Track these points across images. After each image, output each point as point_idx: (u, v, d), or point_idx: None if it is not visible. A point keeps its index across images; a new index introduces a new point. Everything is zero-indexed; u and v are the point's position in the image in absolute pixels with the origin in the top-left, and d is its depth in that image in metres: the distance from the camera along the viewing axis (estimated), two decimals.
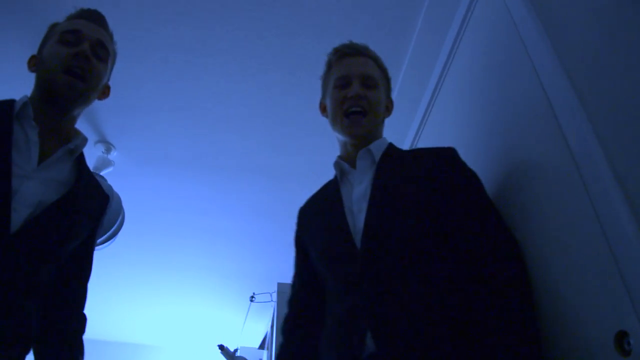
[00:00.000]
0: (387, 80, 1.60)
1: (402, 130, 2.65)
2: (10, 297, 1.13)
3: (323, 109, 1.62)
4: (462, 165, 1.40)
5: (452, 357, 1.10)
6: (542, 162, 1.32)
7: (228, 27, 2.35)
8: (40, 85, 1.34)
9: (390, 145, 1.52)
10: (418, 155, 1.45)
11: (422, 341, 1.12)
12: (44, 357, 1.30)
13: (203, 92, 2.72)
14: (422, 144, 2.47)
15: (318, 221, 1.48)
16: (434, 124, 2.37)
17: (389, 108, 1.60)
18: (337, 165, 1.51)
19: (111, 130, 3.00)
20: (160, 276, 4.55)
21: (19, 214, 1.16)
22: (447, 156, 1.40)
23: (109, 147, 3.08)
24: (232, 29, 2.36)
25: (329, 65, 1.60)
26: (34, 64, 1.38)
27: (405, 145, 2.63)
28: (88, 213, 1.36)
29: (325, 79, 1.61)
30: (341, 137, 1.53)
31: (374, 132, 1.51)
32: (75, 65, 1.31)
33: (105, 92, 1.48)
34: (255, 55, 2.48)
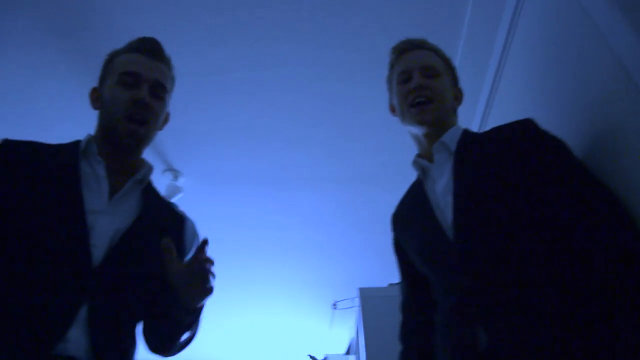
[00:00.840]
0: (451, 69, 1.57)
1: (467, 115, 2.55)
2: (110, 326, 1.16)
3: (392, 109, 1.62)
4: (544, 133, 1.31)
5: (570, 342, 1.04)
6: (626, 132, 1.24)
7: (281, 40, 2.35)
8: (103, 126, 1.37)
9: (465, 132, 1.46)
10: (495, 134, 1.39)
11: (536, 328, 1.07)
12: None
13: (262, 108, 2.73)
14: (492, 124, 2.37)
15: (411, 222, 1.46)
16: (500, 104, 2.28)
17: (457, 97, 1.56)
18: (416, 163, 1.49)
19: (176, 157, 3.07)
20: (240, 293, 4.61)
21: (99, 249, 1.18)
22: (525, 128, 1.33)
23: (176, 174, 3.14)
24: (284, 42, 2.36)
25: (391, 65, 1.60)
26: (96, 99, 1.41)
27: (473, 128, 2.53)
28: (166, 233, 1.36)
29: (390, 79, 1.62)
30: (414, 131, 1.51)
31: (445, 121, 1.47)
32: (136, 112, 1.33)
33: (165, 120, 1.49)
34: (310, 64, 2.46)
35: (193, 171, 3.17)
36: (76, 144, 1.34)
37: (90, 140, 1.34)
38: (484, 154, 1.33)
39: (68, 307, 1.10)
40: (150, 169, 1.41)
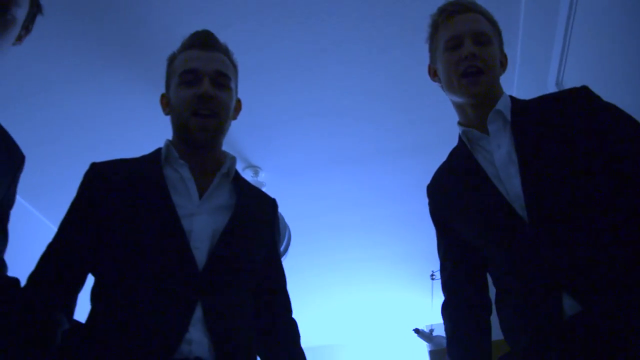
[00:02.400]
0: (499, 34, 1.48)
1: (541, 68, 2.43)
2: (227, 322, 1.19)
3: (434, 73, 1.53)
4: (599, 100, 1.30)
5: None
6: None
7: (339, 19, 2.33)
8: (177, 128, 1.38)
9: (514, 100, 1.41)
10: (549, 102, 1.36)
11: (623, 289, 1.09)
12: None
13: (327, 90, 2.73)
14: (568, 78, 2.24)
15: (461, 195, 1.39)
16: (577, 51, 2.14)
17: (503, 63, 1.48)
18: (465, 133, 1.41)
19: (253, 153, 3.12)
20: (339, 275, 4.66)
21: (201, 251, 1.21)
22: (581, 95, 1.32)
23: (256, 170, 3.20)
24: (342, 21, 2.34)
25: (435, 27, 1.49)
26: (166, 104, 1.43)
27: (550, 82, 2.40)
28: (262, 220, 1.40)
29: (433, 41, 1.51)
30: (459, 100, 1.43)
31: (494, 91, 1.40)
32: (202, 107, 1.32)
33: (237, 109, 1.48)
34: (370, 38, 2.42)
35: (271, 164, 3.22)
36: (157, 152, 1.37)
37: (168, 145, 1.36)
38: (542, 122, 1.30)
39: (182, 311, 1.13)
40: (233, 160, 1.40)
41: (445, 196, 1.45)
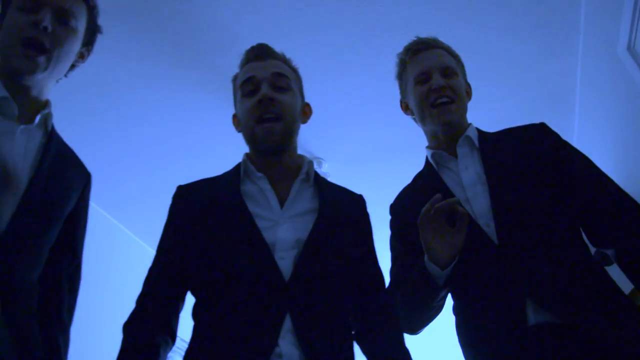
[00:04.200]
0: (462, 66, 1.62)
1: (609, 32, 2.29)
2: (319, 333, 1.17)
3: (406, 107, 1.65)
4: (557, 135, 1.48)
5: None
6: None
7: (392, 5, 2.33)
8: (248, 140, 1.39)
9: (479, 130, 1.55)
10: (512, 134, 1.52)
11: (584, 298, 1.22)
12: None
13: (386, 76, 2.70)
14: None
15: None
16: None
17: (468, 93, 1.62)
18: (435, 155, 1.52)
19: (316, 145, 3.13)
20: None
21: (287, 261, 1.20)
22: (540, 130, 1.49)
23: (319, 161, 3.22)
24: (397, 6, 2.33)
25: (403, 64, 1.62)
26: (237, 123, 1.44)
27: (621, 48, 2.26)
28: (350, 219, 1.36)
29: (402, 78, 1.64)
30: (431, 129, 1.55)
31: (463, 119, 1.54)
32: (265, 111, 1.32)
33: (306, 113, 1.48)
34: (424, 23, 2.38)
35: (334, 155, 3.22)
36: (237, 167, 1.38)
37: (245, 160, 1.37)
38: (507, 149, 1.45)
39: (271, 324, 1.13)
40: (310, 163, 1.39)
41: (410, 214, 1.45)
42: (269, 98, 1.32)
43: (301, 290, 1.18)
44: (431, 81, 1.51)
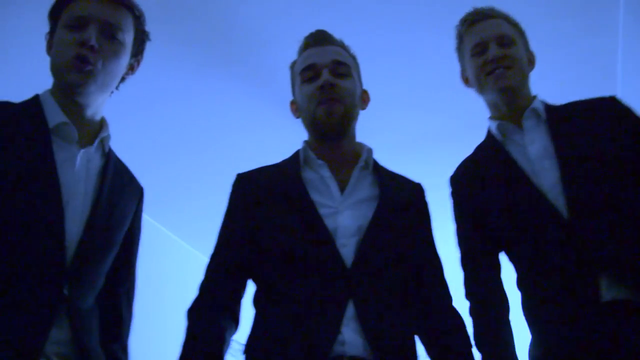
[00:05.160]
0: (522, 34, 1.57)
1: None
2: (383, 319, 1.17)
3: (466, 80, 1.62)
4: (629, 111, 1.41)
5: None
6: None
7: None
8: (308, 126, 1.40)
9: (545, 103, 1.50)
10: (580, 106, 1.46)
11: None
12: None
13: (424, 64, 2.69)
14: None
15: (490, 186, 1.43)
16: None
17: (531, 61, 1.56)
18: (500, 126, 1.47)
19: (359, 131, 3.15)
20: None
21: (349, 248, 1.20)
22: (611, 104, 1.43)
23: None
24: None
25: (460, 37, 1.59)
26: (296, 109, 1.45)
27: None
28: (410, 207, 1.36)
29: (460, 51, 1.61)
30: (491, 98, 1.51)
31: (524, 89, 1.50)
32: (326, 99, 1.32)
33: (365, 99, 1.47)
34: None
35: (381, 141, 3.20)
36: (296, 155, 1.39)
37: (305, 147, 1.38)
38: (576, 122, 1.40)
39: (334, 311, 1.13)
40: (370, 151, 1.39)
41: (473, 187, 1.46)
42: (330, 84, 1.33)
43: (363, 277, 1.18)
44: (487, 52, 1.47)
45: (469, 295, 1.44)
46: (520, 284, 1.39)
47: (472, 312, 1.41)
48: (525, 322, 1.36)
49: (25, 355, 1.02)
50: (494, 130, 1.49)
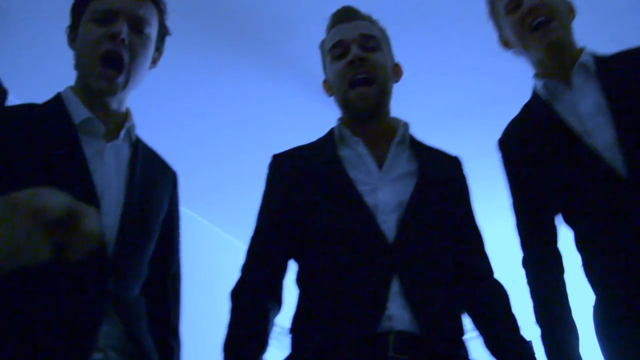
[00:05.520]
0: None
1: None
2: (428, 292, 1.16)
3: (505, 43, 1.52)
4: None
5: None
6: None
7: None
8: (341, 105, 1.38)
9: (594, 54, 1.40)
10: (633, 56, 1.37)
11: None
12: None
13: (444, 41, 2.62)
14: None
15: (541, 147, 1.37)
16: None
17: (571, 10, 1.45)
18: (547, 85, 1.39)
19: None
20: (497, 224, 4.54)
21: (390, 224, 1.19)
22: None
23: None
24: None
25: (491, 1, 1.51)
26: (329, 88, 1.42)
27: None
28: (449, 180, 1.34)
29: (493, 13, 1.51)
30: (537, 55, 1.41)
31: (570, 41, 1.41)
32: (356, 75, 1.30)
33: (397, 73, 1.43)
34: None
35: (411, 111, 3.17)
36: (331, 133, 1.38)
37: (339, 125, 1.36)
38: (629, 75, 1.31)
39: (379, 287, 1.13)
40: (406, 125, 1.37)
41: (523, 150, 1.40)
42: (360, 58, 1.30)
43: (406, 253, 1.18)
44: (522, 5, 1.38)
45: (525, 261, 1.42)
46: (580, 245, 1.35)
47: (530, 280, 1.39)
48: (588, 284, 1.32)
49: (79, 352, 1.02)
50: (539, 90, 1.42)
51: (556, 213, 1.41)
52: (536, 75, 1.45)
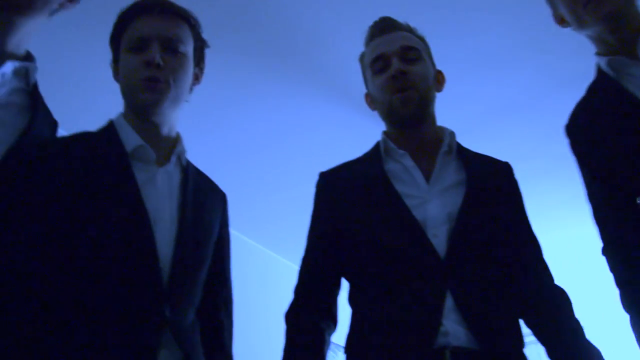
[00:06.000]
0: None
1: None
2: (484, 307, 1.15)
3: (561, 20, 1.42)
4: None
5: None
6: None
7: None
8: (384, 117, 1.37)
9: None
10: None
11: None
12: None
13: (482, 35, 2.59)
14: None
15: (615, 132, 1.27)
16: None
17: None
18: (612, 62, 1.28)
19: None
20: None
21: (440, 239, 1.18)
22: None
23: None
24: None
25: None
26: (371, 101, 1.42)
27: None
28: (499, 188, 1.31)
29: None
30: (594, 31, 1.31)
31: (632, 10, 1.29)
32: (399, 85, 1.29)
33: (440, 81, 1.41)
34: None
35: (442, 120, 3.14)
36: (377, 147, 1.37)
37: (384, 138, 1.36)
38: None
39: (433, 304, 1.12)
40: (451, 135, 1.34)
41: (593, 133, 1.32)
42: (401, 72, 1.29)
43: (459, 267, 1.16)
44: None
45: (606, 248, 1.32)
46: None
47: (614, 265, 1.30)
48: None
49: None
50: (604, 67, 1.31)
51: (637, 197, 1.28)
52: (598, 54, 1.35)
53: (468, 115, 3.11)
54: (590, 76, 1.38)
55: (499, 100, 3.08)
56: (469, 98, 3.00)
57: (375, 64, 1.35)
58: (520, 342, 1.18)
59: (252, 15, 2.38)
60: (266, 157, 3.32)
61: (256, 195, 3.59)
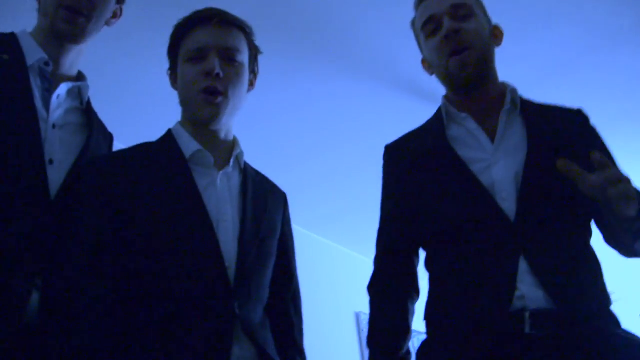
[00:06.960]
0: None
1: None
2: (560, 268, 1.11)
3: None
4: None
5: None
6: None
7: None
8: (444, 81, 1.33)
9: None
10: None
11: None
12: None
13: None
14: None
15: None
16: None
17: None
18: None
19: None
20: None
21: (509, 201, 1.14)
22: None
23: None
24: None
25: None
26: (428, 66, 1.38)
27: None
28: (566, 140, 1.25)
29: None
30: None
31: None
32: (453, 50, 1.24)
33: (497, 35, 1.34)
34: None
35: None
36: (438, 112, 1.33)
37: (445, 102, 1.32)
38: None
39: (506, 269, 1.10)
40: (513, 91, 1.28)
41: None
42: (454, 31, 1.24)
43: (530, 229, 1.12)
44: None
45: None
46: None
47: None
48: None
49: None
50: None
51: None
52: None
53: (521, 74, 3.01)
54: None
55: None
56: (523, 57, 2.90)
57: (427, 27, 1.30)
58: (605, 300, 1.13)
59: (313, 22, 2.46)
60: (329, 156, 3.38)
61: (321, 193, 3.61)
